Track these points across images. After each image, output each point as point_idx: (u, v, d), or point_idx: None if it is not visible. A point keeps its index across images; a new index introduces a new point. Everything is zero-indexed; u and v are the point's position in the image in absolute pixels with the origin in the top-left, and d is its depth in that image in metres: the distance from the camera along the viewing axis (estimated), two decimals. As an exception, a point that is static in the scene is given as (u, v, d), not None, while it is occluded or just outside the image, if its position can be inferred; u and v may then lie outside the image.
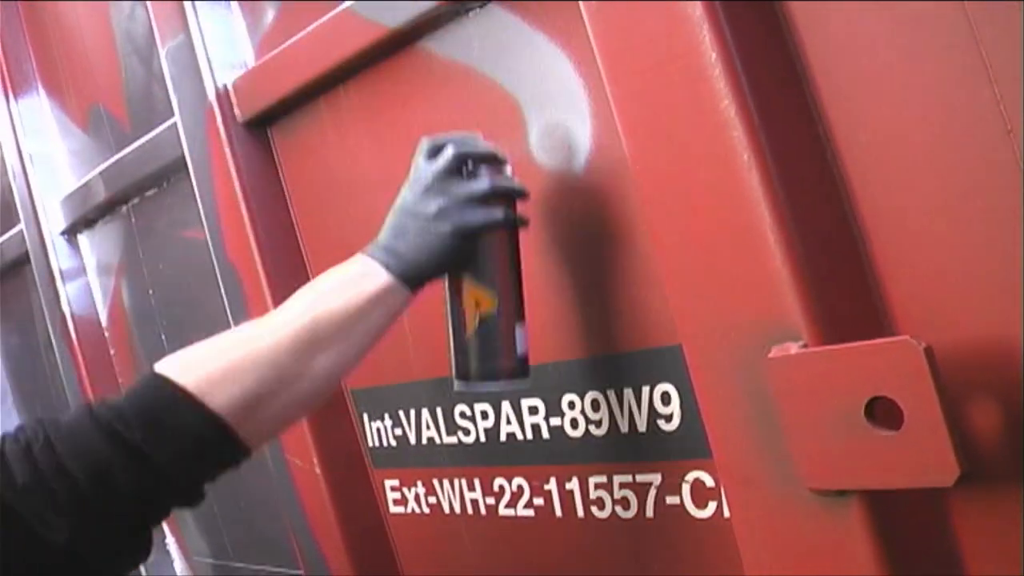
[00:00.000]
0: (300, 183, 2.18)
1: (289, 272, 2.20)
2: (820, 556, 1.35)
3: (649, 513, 1.69)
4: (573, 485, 1.79)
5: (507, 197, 1.53)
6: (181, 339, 2.65)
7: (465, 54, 1.76)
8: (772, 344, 1.30)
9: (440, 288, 1.58)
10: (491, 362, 1.54)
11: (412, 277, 1.50)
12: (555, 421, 1.78)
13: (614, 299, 1.62)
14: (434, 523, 2.13)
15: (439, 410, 2.02)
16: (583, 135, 1.60)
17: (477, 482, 1.98)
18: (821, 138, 1.33)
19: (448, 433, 2.01)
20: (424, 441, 2.08)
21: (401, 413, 2.12)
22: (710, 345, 1.39)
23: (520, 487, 1.90)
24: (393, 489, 2.22)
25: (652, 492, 1.67)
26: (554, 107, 1.63)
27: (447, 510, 2.09)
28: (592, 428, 1.72)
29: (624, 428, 1.67)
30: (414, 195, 1.51)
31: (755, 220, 1.29)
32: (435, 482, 2.09)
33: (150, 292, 2.84)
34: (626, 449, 1.68)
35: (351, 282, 1.49)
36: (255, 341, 1.43)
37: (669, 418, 1.60)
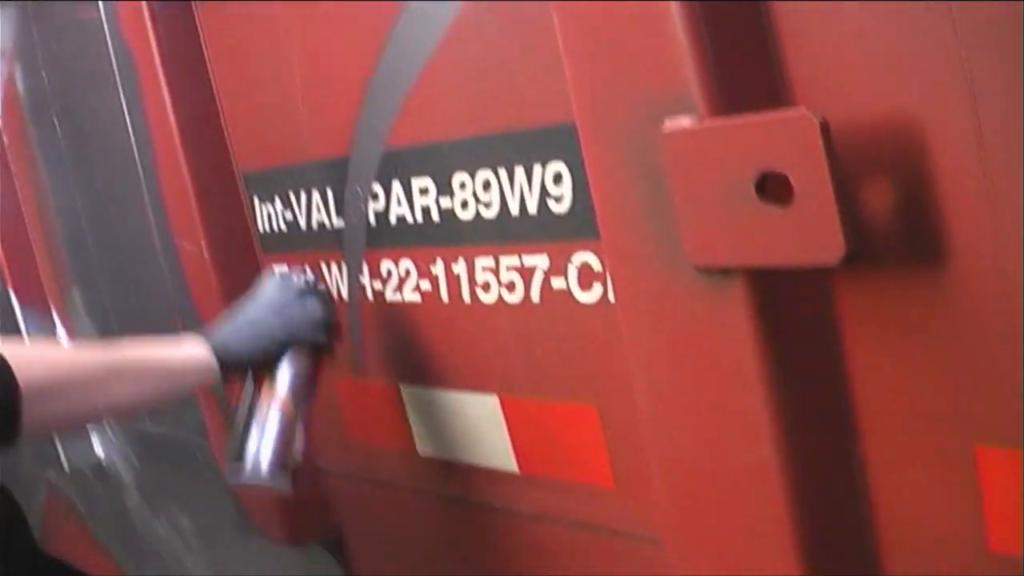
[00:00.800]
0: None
1: (185, 52, 2.10)
2: (702, 335, 1.33)
3: (535, 298, 1.65)
4: (460, 268, 1.75)
5: (328, 327, 1.83)
6: (74, 129, 2.57)
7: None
8: (667, 117, 1.25)
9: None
10: (275, 457, 1.75)
11: (230, 367, 1.73)
12: (445, 202, 1.73)
13: (508, 74, 1.55)
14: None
15: (330, 192, 1.95)
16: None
17: (364, 266, 1.93)
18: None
19: (338, 215, 1.95)
20: (314, 225, 2.02)
21: (292, 195, 2.05)
22: (604, 120, 1.34)
23: (408, 271, 1.86)
24: (282, 274, 2.16)
25: (539, 275, 1.63)
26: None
27: (336, 295, 2.04)
28: (482, 209, 1.68)
29: (515, 210, 1.62)
30: (261, 310, 1.80)
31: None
32: (324, 266, 2.04)
33: (44, 76, 2.72)
34: (515, 230, 1.63)
35: (182, 356, 1.72)
36: (84, 351, 1.70)
37: (560, 199, 1.55)
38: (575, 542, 1.74)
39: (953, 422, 1.25)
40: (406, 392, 1.98)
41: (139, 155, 2.26)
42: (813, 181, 1.12)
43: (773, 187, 1.17)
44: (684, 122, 1.23)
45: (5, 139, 3.04)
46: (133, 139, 2.26)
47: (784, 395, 1.30)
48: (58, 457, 3.37)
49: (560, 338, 1.61)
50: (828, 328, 1.32)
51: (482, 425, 1.84)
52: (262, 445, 1.74)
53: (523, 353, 1.71)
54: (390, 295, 1.91)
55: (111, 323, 2.93)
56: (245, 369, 1.77)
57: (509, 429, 1.80)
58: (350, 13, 1.77)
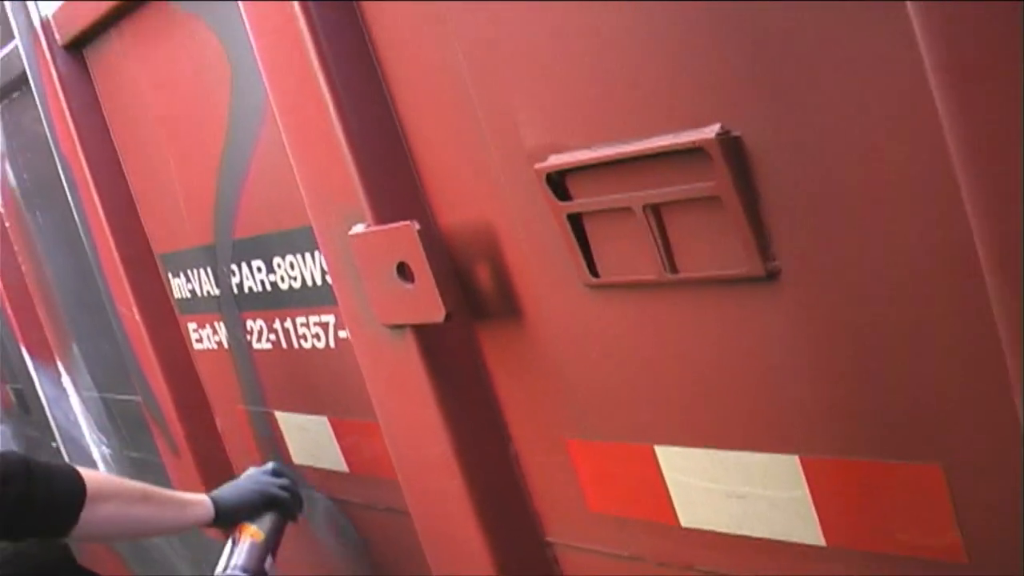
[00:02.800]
0: (111, 97, 2.64)
1: (105, 161, 2.68)
2: (396, 369, 1.86)
3: (332, 344, 2.19)
4: (289, 325, 2.30)
5: (295, 496, 2.34)
6: (49, 218, 3.15)
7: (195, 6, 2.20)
8: (353, 224, 1.79)
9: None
10: (247, 563, 2.19)
11: (222, 509, 2.22)
12: (272, 278, 2.28)
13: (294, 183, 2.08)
14: (219, 356, 2.65)
15: (209, 270, 2.52)
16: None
17: (236, 325, 2.49)
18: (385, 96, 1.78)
19: (216, 287, 2.52)
20: (205, 294, 2.59)
21: (188, 272, 2.62)
22: (325, 227, 1.88)
23: (261, 327, 2.41)
24: (194, 331, 2.73)
25: (331, 328, 2.17)
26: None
27: (225, 345, 2.61)
28: (293, 283, 2.23)
29: (311, 283, 2.17)
30: (244, 479, 2.34)
31: (338, 143, 1.75)
32: (215, 324, 2.60)
33: (24, 176, 3.31)
34: (313, 297, 2.18)
35: (188, 496, 2.25)
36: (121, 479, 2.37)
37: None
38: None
39: (553, 424, 1.77)
40: (279, 416, 2.53)
41: (85, 241, 2.84)
42: (420, 267, 1.66)
43: (408, 270, 1.70)
44: (359, 228, 1.77)
45: (7, 222, 3.63)
46: (80, 228, 2.83)
47: (452, 409, 1.82)
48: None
49: (350, 372, 2.13)
50: (479, 363, 1.84)
51: (321, 440, 2.39)
52: (236, 556, 2.19)
53: (335, 384, 2.25)
54: (255, 344, 2.47)
55: (99, 372, 3.52)
56: (231, 513, 2.23)
57: (338, 441, 2.35)
58: (199, 118, 2.31)
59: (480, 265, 1.73)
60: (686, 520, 1.62)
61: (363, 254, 1.76)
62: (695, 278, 1.40)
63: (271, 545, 2.23)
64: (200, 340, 2.70)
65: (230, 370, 2.58)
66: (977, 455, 1.24)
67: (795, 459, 1.42)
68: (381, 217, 1.75)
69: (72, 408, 3.82)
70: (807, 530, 1.47)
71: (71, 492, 1.98)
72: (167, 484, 2.97)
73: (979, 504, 1.26)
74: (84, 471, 2.02)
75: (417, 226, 1.64)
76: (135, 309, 2.73)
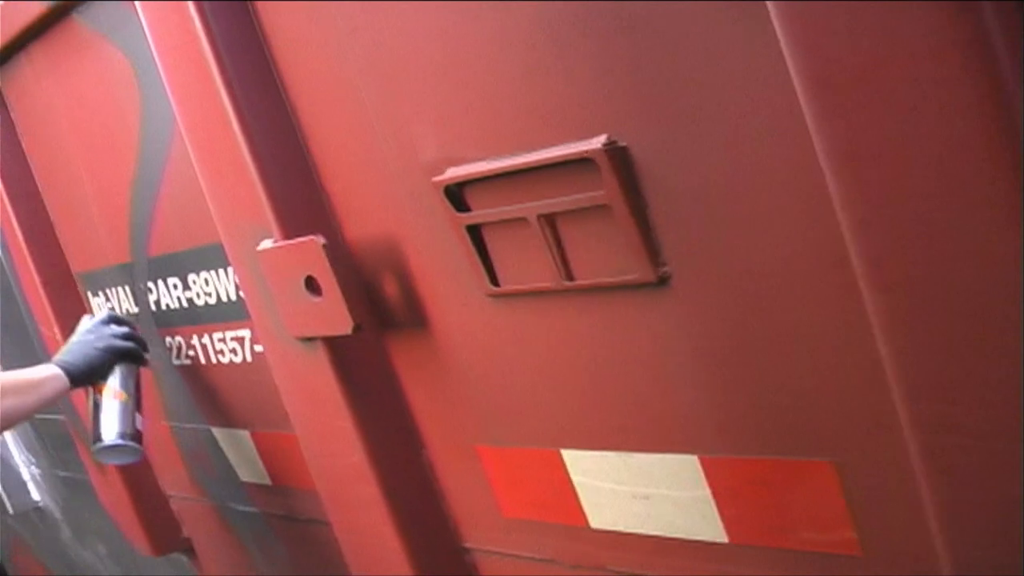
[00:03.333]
0: (24, 116, 2.62)
1: (21, 183, 2.65)
2: (310, 380, 1.86)
3: (248, 358, 2.19)
4: (206, 340, 2.30)
5: (136, 340, 2.31)
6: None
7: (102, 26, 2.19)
8: (261, 239, 1.79)
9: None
10: (121, 428, 2.23)
11: (74, 375, 2.20)
12: (188, 295, 2.28)
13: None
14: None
15: (128, 288, 2.50)
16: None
17: (155, 342, 2.48)
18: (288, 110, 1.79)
19: (135, 305, 2.50)
20: (124, 311, 2.57)
21: (105, 290, 2.60)
22: (235, 243, 1.88)
23: (180, 343, 2.41)
24: (115, 348, 2.71)
25: (247, 342, 2.17)
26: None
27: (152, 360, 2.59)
28: (208, 299, 2.22)
29: (225, 298, 2.16)
30: (80, 335, 2.30)
31: (243, 160, 1.75)
32: (135, 341, 2.59)
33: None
34: (229, 312, 2.17)
35: (38, 373, 2.19)
36: None
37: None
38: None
39: (463, 430, 1.78)
40: (216, 432, 2.51)
41: (4, 261, 2.82)
42: (327, 280, 1.67)
43: (316, 283, 1.70)
44: (267, 243, 1.77)
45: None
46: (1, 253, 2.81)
47: (365, 418, 1.83)
48: (2, 502, 3.90)
49: (268, 385, 2.12)
50: (389, 373, 1.85)
51: (242, 454, 2.39)
52: (109, 424, 2.22)
53: (254, 397, 2.25)
54: (175, 361, 2.46)
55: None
56: (84, 377, 2.22)
57: (260, 454, 2.35)
58: (111, 138, 2.30)
59: (386, 277, 1.75)
60: (596, 522, 1.64)
61: (272, 269, 1.76)
62: (590, 285, 1.42)
63: (136, 401, 2.28)
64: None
65: (152, 386, 2.57)
66: (867, 450, 1.26)
67: (695, 459, 1.45)
68: (288, 232, 1.76)
69: (-1, 429, 3.76)
70: (710, 528, 1.49)
71: None
72: (96, 501, 2.96)
73: (871, 498, 1.29)
74: None
75: (323, 240, 1.65)
76: (56, 329, 2.70)
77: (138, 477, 2.78)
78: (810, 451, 1.32)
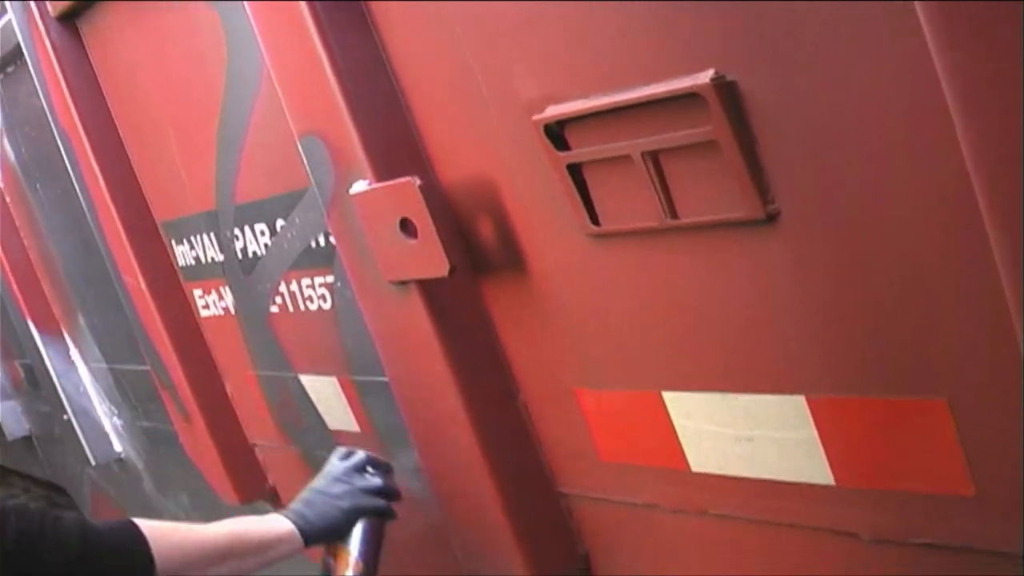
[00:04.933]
0: (106, 67, 2.66)
1: (104, 133, 2.70)
2: (404, 325, 1.88)
3: (339, 304, 2.22)
4: (294, 287, 2.33)
5: (388, 495, 2.03)
6: (51, 191, 3.18)
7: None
8: (355, 183, 1.81)
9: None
10: None
11: (310, 536, 1.94)
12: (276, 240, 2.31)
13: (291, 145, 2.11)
14: (225, 322, 2.68)
15: (213, 236, 2.54)
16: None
17: (242, 289, 2.52)
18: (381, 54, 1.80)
19: (220, 252, 2.54)
20: (209, 260, 2.61)
21: (191, 238, 2.64)
22: (327, 186, 1.91)
23: (268, 291, 2.44)
24: (199, 297, 2.76)
25: (338, 288, 2.20)
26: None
27: (232, 311, 2.64)
28: (298, 244, 2.25)
29: (312, 244, 2.19)
30: (326, 481, 2.02)
31: (337, 106, 1.77)
32: (220, 289, 2.63)
33: (23, 150, 3.34)
34: (318, 258, 2.20)
35: (270, 530, 1.94)
36: (198, 532, 1.87)
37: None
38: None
39: (561, 373, 1.79)
40: (303, 379, 2.55)
41: (88, 212, 2.87)
42: (423, 222, 1.68)
43: (411, 226, 1.72)
44: (361, 186, 1.79)
45: (7, 197, 3.65)
46: (82, 200, 2.86)
47: (459, 362, 1.85)
48: (85, 453, 3.98)
49: (361, 333, 2.14)
50: (484, 316, 1.87)
51: (331, 400, 2.43)
52: None
53: (343, 344, 2.28)
54: (269, 309, 2.50)
55: (107, 343, 3.56)
56: (321, 538, 1.97)
57: (348, 402, 2.38)
58: (195, 86, 2.33)
59: (482, 219, 1.75)
60: (697, 465, 1.65)
61: (366, 212, 1.78)
62: (695, 223, 1.42)
63: (374, 569, 2.00)
64: (207, 306, 2.73)
65: (238, 335, 2.61)
66: (983, 388, 1.25)
67: (802, 399, 1.45)
68: (382, 174, 1.77)
69: (82, 381, 3.86)
70: (817, 470, 1.49)
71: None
72: (180, 451, 3.02)
73: (986, 438, 1.28)
74: (147, 528, 1.76)
75: (418, 181, 1.66)
76: (140, 278, 2.75)
77: (224, 427, 2.83)
78: (923, 390, 1.32)
